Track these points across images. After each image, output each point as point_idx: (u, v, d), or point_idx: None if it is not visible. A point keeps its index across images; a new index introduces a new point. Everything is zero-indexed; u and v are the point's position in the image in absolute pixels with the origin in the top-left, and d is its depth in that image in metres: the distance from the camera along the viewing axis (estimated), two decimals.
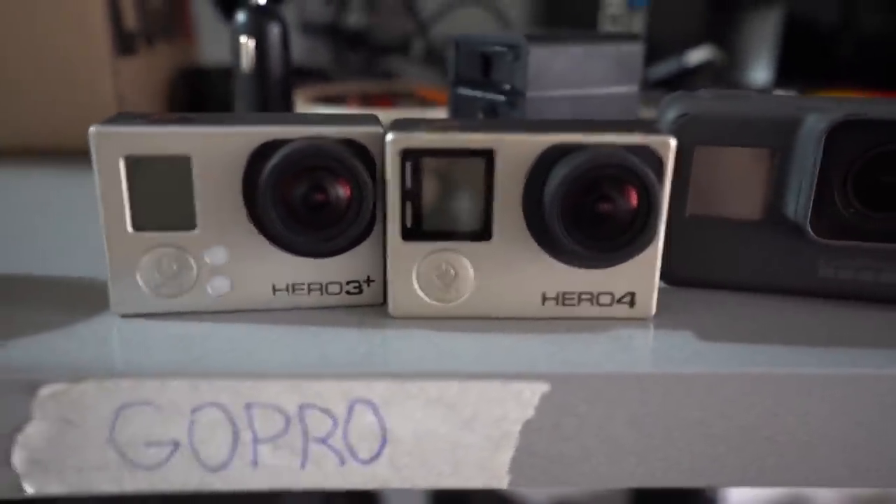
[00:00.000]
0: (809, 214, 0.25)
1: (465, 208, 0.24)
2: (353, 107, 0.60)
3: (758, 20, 0.76)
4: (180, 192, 0.23)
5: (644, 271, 0.24)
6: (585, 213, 0.23)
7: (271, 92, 0.41)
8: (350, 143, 0.23)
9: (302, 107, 0.54)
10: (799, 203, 0.25)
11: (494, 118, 0.36)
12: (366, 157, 0.24)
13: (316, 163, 0.23)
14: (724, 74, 0.69)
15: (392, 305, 0.25)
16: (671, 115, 0.26)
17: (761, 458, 0.23)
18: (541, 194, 0.23)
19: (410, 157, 0.23)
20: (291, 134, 0.23)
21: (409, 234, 0.24)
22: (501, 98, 0.36)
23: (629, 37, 0.37)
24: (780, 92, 0.62)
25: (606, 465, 0.23)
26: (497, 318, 0.25)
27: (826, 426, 0.22)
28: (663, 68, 0.69)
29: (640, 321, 0.25)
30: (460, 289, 0.24)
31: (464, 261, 0.24)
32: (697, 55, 0.66)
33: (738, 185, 0.26)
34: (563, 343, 0.23)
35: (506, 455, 0.22)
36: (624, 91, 0.37)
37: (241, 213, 0.24)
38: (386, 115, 0.56)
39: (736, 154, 0.26)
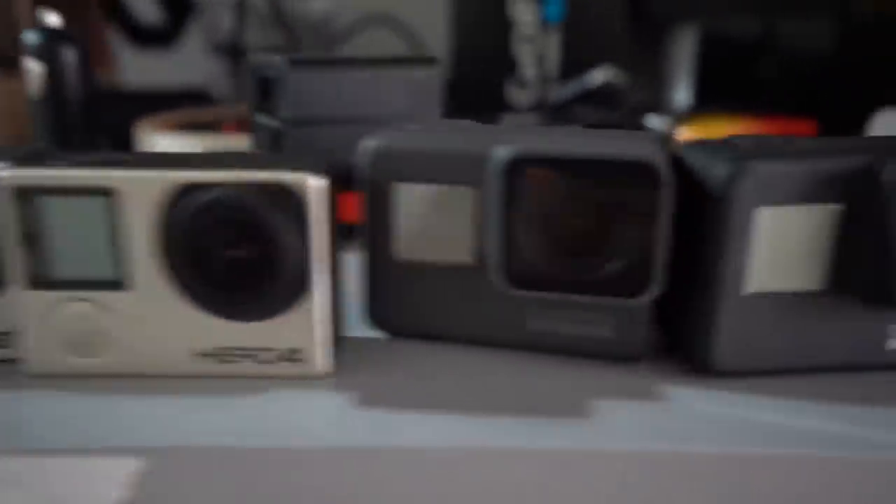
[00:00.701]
0: (498, 261, 0.22)
1: (95, 254, 0.21)
2: (227, 133, 0.58)
3: (677, 40, 0.73)
4: None
5: (306, 325, 0.21)
6: (216, 261, 0.20)
7: (68, 119, 0.39)
8: None
9: (154, 135, 0.52)
10: (490, 248, 0.22)
11: (277, 148, 0.34)
12: None
13: None
14: (632, 95, 0.66)
15: (27, 362, 0.22)
16: (367, 147, 0.23)
17: None
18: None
19: (24, 196, 0.20)
20: None
21: (34, 283, 0.21)
22: (278, 125, 0.33)
23: (424, 61, 0.34)
24: (652, 117, 0.59)
25: None
26: (149, 376, 0.22)
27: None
28: (567, 90, 0.66)
29: (310, 380, 0.22)
30: (100, 343, 0.22)
31: (100, 312, 0.21)
32: (597, 76, 0.64)
33: (443, 226, 0.23)
34: (194, 407, 0.20)
35: None
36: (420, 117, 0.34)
37: None
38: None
39: (436, 192, 0.23)
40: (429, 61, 0.34)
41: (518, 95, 0.75)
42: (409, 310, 0.24)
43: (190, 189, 0.20)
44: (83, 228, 0.21)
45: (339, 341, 0.24)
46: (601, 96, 0.67)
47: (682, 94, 0.75)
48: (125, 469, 0.19)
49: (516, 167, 0.21)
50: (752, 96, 0.69)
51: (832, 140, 0.22)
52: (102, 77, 0.75)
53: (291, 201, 0.20)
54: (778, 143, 0.21)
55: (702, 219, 0.21)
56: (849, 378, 0.22)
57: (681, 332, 0.23)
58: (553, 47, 0.75)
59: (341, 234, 0.23)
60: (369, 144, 0.23)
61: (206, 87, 0.77)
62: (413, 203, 0.23)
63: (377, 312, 0.25)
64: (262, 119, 0.36)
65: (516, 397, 0.21)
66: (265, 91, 0.34)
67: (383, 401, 0.21)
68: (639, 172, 0.20)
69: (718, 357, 0.22)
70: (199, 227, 0.20)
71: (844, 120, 0.54)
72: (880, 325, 0.21)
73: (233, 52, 0.72)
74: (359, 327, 0.25)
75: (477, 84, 0.77)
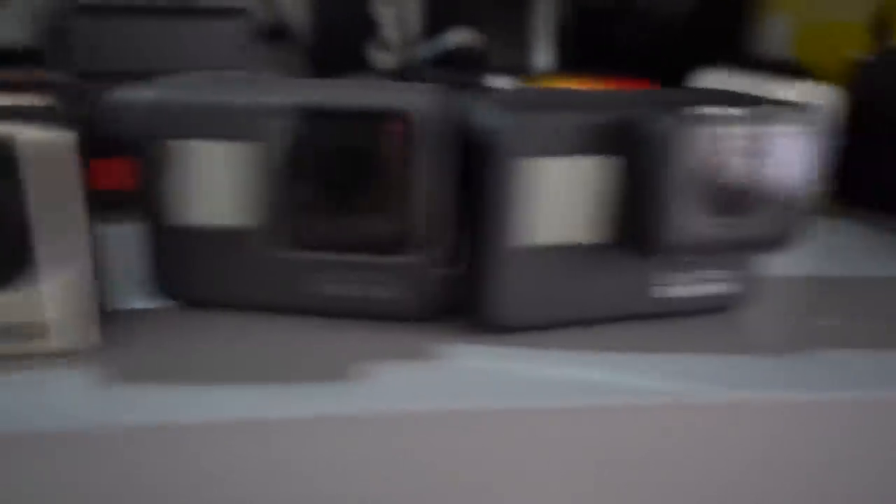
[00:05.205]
0: (278, 222, 0.21)
1: None
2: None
3: (539, 4, 0.73)
4: None
5: (63, 295, 0.20)
6: None
7: None
8: None
9: None
10: (270, 208, 0.21)
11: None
12: None
13: None
14: (494, 58, 0.66)
15: None
16: (132, 102, 0.21)
17: None
18: None
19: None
20: None
21: None
22: (68, 80, 0.30)
23: (229, 12, 0.32)
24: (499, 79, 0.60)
25: None
26: None
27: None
28: (427, 49, 0.65)
29: (66, 357, 0.20)
30: None
31: None
32: (452, 38, 0.63)
33: (223, 186, 0.22)
34: None
35: None
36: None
37: None
38: None
39: (212, 149, 0.22)
40: (234, 13, 0.32)
41: (382, 58, 0.74)
42: (193, 277, 0.23)
43: None
44: None
45: (107, 314, 0.22)
46: (461, 59, 0.67)
47: (542, 57, 0.76)
48: None
49: (292, 120, 0.20)
50: (613, 60, 0.70)
51: (607, 93, 0.22)
52: None
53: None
54: (542, 94, 0.21)
55: (477, 172, 0.21)
56: (621, 327, 0.22)
57: (468, 289, 0.23)
58: (413, 8, 0.73)
59: (106, 201, 0.22)
60: (133, 98, 0.21)
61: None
62: (189, 162, 0.22)
63: (159, 281, 0.23)
64: (55, 76, 0.33)
65: (279, 364, 0.20)
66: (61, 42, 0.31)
67: (143, 376, 0.20)
68: (400, 122, 0.20)
69: (498, 312, 0.21)
70: None
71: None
72: (647, 275, 0.22)
73: None
74: (141, 298, 0.23)
75: (338, 47, 0.75)
